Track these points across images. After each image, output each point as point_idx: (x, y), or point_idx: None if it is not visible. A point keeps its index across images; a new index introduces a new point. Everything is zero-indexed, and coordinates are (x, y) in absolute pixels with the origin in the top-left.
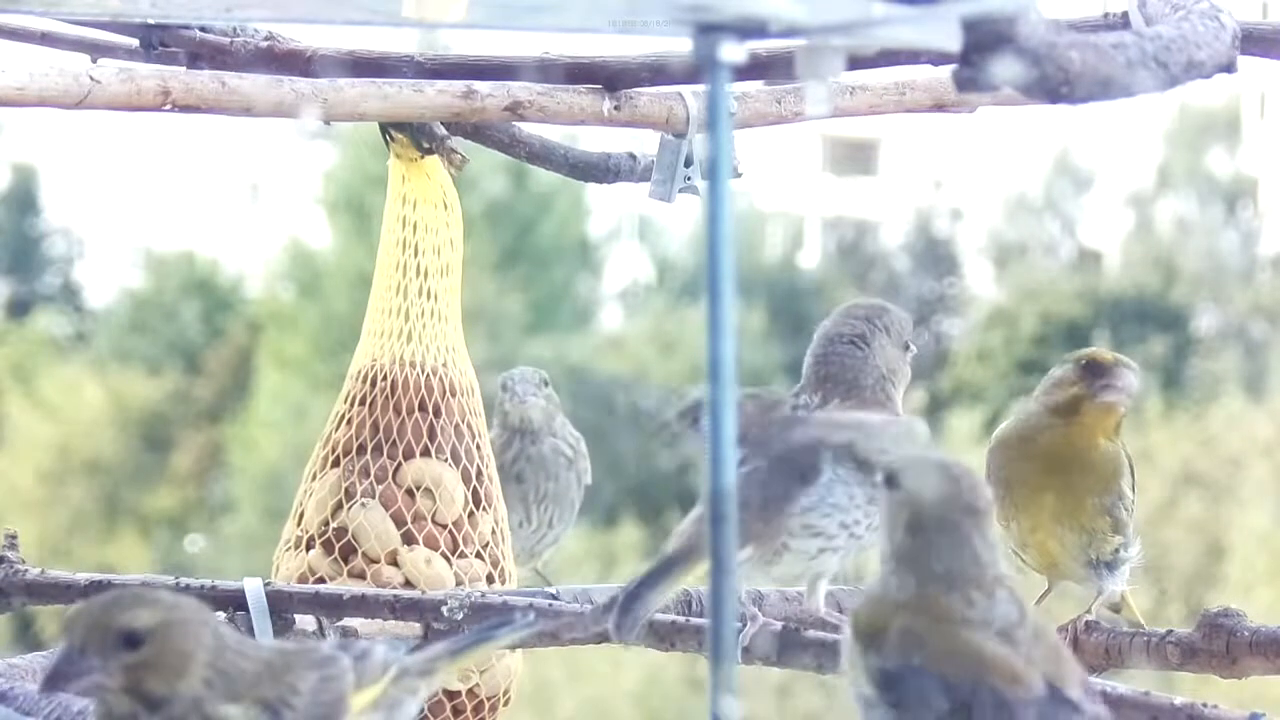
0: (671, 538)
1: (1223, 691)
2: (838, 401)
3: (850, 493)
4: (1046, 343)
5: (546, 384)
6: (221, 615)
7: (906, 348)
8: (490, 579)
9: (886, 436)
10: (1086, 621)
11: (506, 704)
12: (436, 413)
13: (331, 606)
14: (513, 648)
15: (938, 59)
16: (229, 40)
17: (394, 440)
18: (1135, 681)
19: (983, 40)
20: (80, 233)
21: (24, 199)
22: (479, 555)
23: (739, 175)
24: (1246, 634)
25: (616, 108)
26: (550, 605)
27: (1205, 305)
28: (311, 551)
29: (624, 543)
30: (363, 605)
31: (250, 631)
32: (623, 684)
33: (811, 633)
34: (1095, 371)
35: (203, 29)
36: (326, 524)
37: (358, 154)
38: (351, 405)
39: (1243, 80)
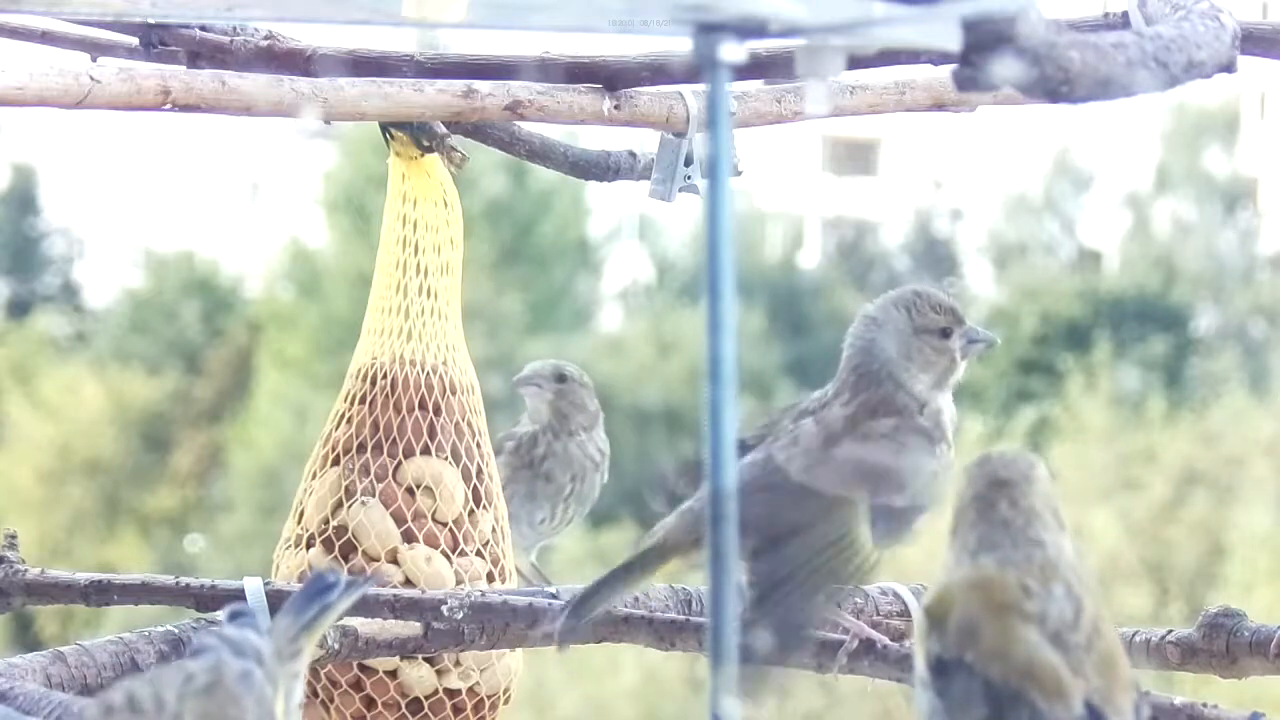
0: (652, 531)
1: (1223, 691)
2: (847, 396)
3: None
4: (1046, 343)
5: (563, 379)
6: (221, 615)
7: (944, 333)
8: (490, 577)
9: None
10: None
11: (507, 702)
12: (437, 411)
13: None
14: (512, 647)
15: (938, 59)
16: (229, 39)
17: (394, 438)
18: None
19: (983, 40)
20: (80, 233)
21: (24, 199)
22: (479, 553)
23: (739, 174)
24: (1246, 634)
25: (616, 107)
26: (549, 605)
27: (1205, 305)
28: (312, 550)
29: (622, 543)
30: (363, 604)
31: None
32: (622, 683)
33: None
34: None
35: (203, 28)
36: (327, 522)
37: (358, 154)
38: (351, 404)
39: (1242, 80)
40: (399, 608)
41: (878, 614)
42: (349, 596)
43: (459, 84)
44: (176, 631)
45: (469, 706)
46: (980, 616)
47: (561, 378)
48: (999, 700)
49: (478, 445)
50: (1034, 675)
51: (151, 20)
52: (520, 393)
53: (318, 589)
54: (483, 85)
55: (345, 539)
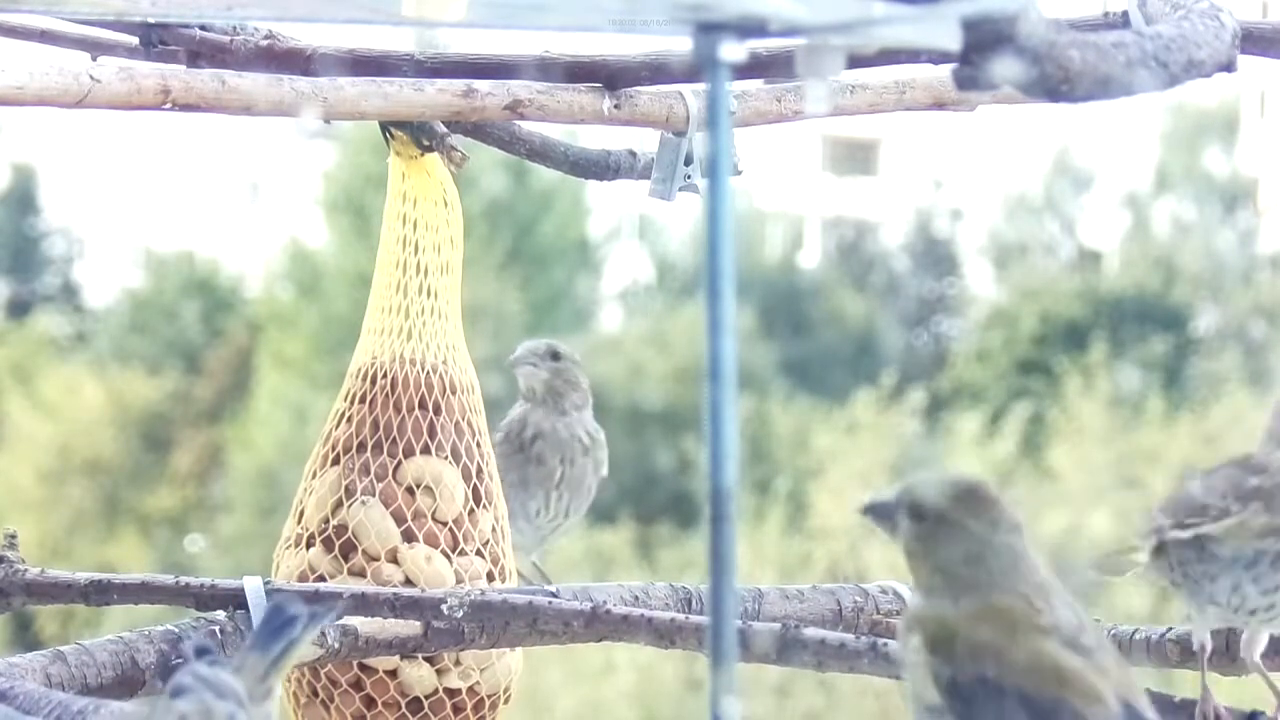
0: None
1: (1223, 691)
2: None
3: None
4: (1046, 343)
5: (557, 357)
6: (221, 614)
7: None
8: (490, 577)
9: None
10: None
11: (507, 702)
12: (437, 410)
13: (332, 605)
14: (512, 646)
15: (938, 58)
16: (229, 39)
17: (394, 438)
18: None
19: (983, 39)
20: (80, 233)
21: (24, 199)
22: (479, 553)
23: (739, 174)
24: (1247, 634)
25: (616, 106)
26: (550, 604)
27: (1205, 305)
28: (312, 549)
29: (621, 541)
30: (363, 603)
31: (250, 631)
32: (619, 684)
33: (810, 632)
34: None
35: (203, 27)
36: (326, 522)
37: (358, 154)
38: (352, 403)
39: (1242, 80)
40: (399, 607)
41: (878, 612)
42: (313, 629)
43: (459, 83)
44: (176, 631)
45: (469, 706)
46: (997, 636)
47: (555, 355)
48: (1039, 710)
49: (478, 444)
50: (1067, 681)
51: (151, 20)
52: (515, 373)
53: (281, 623)
54: (483, 85)
55: (345, 538)
